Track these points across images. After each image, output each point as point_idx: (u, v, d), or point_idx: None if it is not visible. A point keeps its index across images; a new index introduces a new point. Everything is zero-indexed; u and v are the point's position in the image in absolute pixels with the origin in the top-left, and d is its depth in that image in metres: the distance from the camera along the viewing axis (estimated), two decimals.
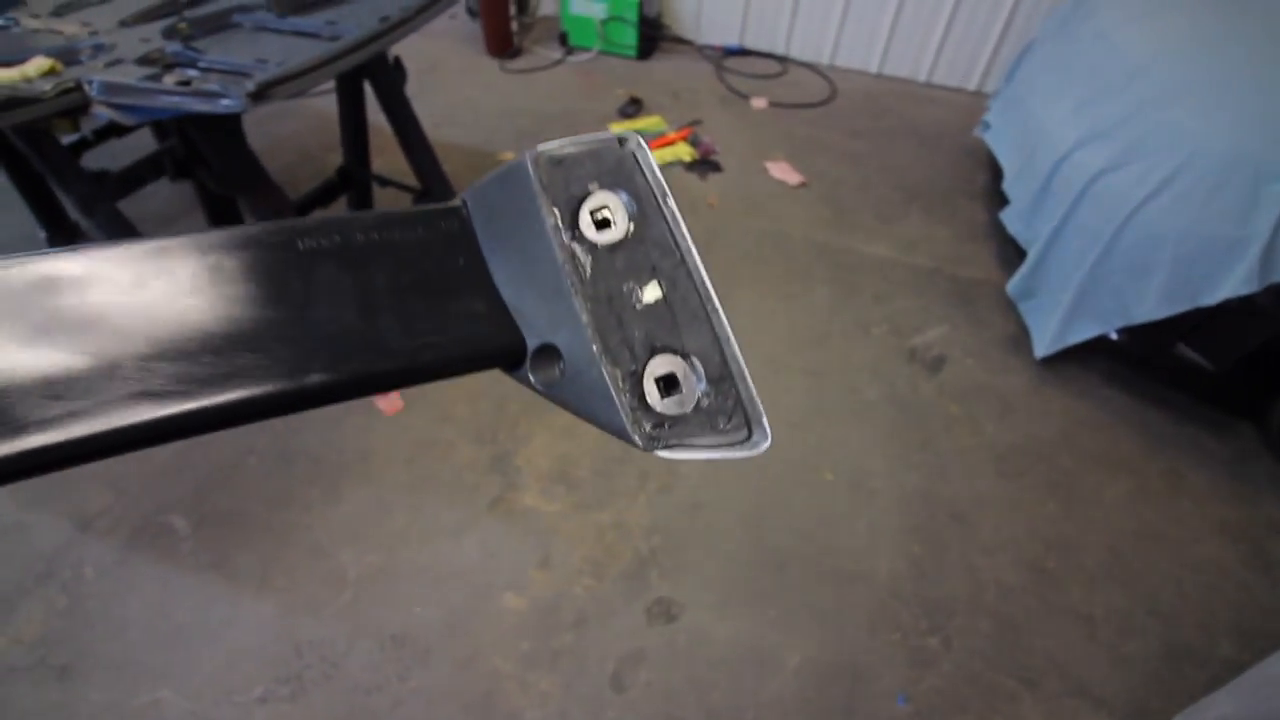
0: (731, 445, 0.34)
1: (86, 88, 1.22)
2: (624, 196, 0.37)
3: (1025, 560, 1.58)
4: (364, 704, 1.32)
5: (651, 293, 0.38)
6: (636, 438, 0.34)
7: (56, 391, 0.26)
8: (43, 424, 0.26)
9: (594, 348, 0.34)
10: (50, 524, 1.57)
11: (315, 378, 0.33)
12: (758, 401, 0.35)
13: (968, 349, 2.03)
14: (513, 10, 3.49)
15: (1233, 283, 1.58)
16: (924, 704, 1.36)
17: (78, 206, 1.98)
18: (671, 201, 0.38)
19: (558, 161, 0.39)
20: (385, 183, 2.02)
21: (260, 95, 1.13)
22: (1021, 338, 2.03)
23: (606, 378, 0.34)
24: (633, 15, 3.34)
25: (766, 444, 0.33)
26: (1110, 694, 1.38)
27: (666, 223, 0.36)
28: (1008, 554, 1.59)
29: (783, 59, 3.44)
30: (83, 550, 1.53)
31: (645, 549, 1.55)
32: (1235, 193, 1.58)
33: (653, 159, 0.39)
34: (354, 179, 2.03)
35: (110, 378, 0.27)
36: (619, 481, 1.68)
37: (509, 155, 2.73)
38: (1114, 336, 1.83)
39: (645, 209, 0.37)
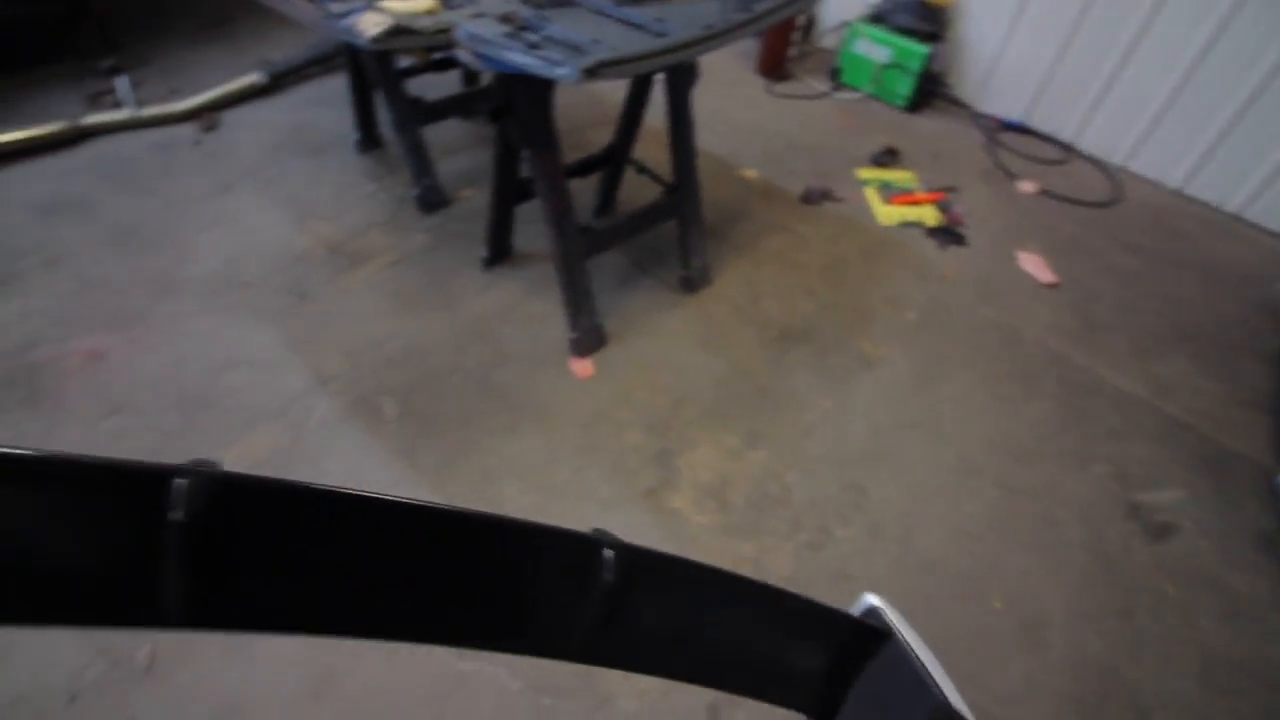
0: None
1: (456, 32, 1.43)
2: None
3: None
4: None
5: None
6: None
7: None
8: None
9: None
10: (298, 370, 1.87)
11: None
12: None
13: (1204, 527, 1.74)
14: (795, 36, 3.54)
15: None
16: None
17: (394, 121, 2.32)
18: None
19: None
20: (641, 170, 2.14)
21: (593, 72, 1.24)
22: (1279, 539, 1.70)
23: None
24: (916, 66, 3.24)
25: None
26: None
27: None
28: None
29: (1067, 147, 3.14)
30: (314, 400, 1.80)
31: None
32: None
33: None
34: (615, 159, 2.18)
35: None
36: (770, 521, 1.65)
37: (751, 172, 2.78)
38: None
39: None
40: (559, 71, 1.29)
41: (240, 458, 1.65)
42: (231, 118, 2.77)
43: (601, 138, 2.32)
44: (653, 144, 2.30)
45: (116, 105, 2.71)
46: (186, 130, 2.68)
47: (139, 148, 2.57)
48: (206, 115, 2.72)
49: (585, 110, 2.96)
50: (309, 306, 2.05)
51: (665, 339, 2.06)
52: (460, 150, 2.73)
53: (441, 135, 2.69)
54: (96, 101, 2.75)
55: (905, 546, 1.63)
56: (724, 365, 2.00)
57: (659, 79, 1.95)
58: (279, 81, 2.92)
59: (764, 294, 2.24)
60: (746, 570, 1.55)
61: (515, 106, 1.60)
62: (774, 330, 2.12)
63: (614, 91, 3.05)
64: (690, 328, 2.10)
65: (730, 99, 3.23)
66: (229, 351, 1.89)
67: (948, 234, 2.55)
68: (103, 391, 1.77)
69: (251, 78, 2.84)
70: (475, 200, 2.47)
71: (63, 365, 1.83)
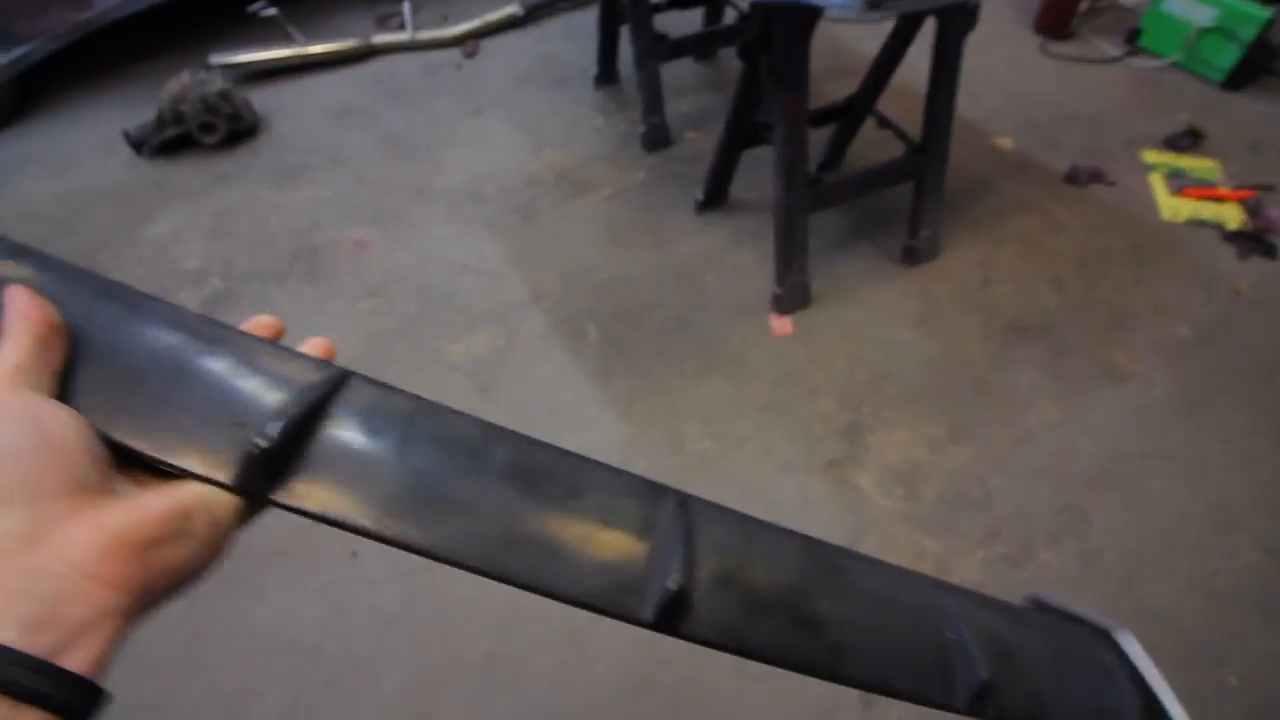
0: None
1: None
2: None
3: None
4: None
5: None
6: None
7: None
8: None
9: None
10: (517, 284, 2.03)
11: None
12: None
13: None
14: None
15: None
16: None
17: (635, 56, 2.36)
18: None
19: None
20: (885, 124, 1.98)
21: (876, 4, 1.15)
22: None
23: None
24: (1249, 33, 2.61)
25: None
26: None
27: None
28: None
29: None
30: (528, 313, 1.95)
31: None
32: None
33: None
34: (855, 110, 2.03)
35: None
36: (963, 523, 1.51)
37: (1006, 141, 2.46)
38: None
39: None
40: (838, 4, 1.21)
41: (464, 351, 1.85)
42: (488, 46, 3.00)
43: (839, 89, 2.17)
44: (892, 100, 2.11)
45: (400, 28, 3.05)
46: (451, 55, 2.95)
47: (412, 68, 2.89)
48: (469, 42, 2.97)
49: (826, 59, 2.78)
50: (533, 226, 2.20)
51: (875, 310, 1.93)
52: (688, 93, 2.72)
53: (674, 75, 2.69)
54: (384, 24, 3.12)
55: (1126, 588, 1.41)
56: (937, 348, 1.83)
57: (927, 23, 1.76)
58: (532, 14, 3.10)
59: (998, 278, 2.00)
60: (927, 568, 1.44)
61: (773, 41, 1.53)
62: (1002, 320, 1.89)
63: (859, 40, 2.85)
64: (905, 302, 1.94)
65: (994, 56, 2.85)
66: (464, 257, 2.10)
67: (1254, 241, 2.07)
68: (364, 275, 2.06)
69: (510, 9, 3.04)
70: (697, 144, 2.46)
71: (337, 248, 2.15)
